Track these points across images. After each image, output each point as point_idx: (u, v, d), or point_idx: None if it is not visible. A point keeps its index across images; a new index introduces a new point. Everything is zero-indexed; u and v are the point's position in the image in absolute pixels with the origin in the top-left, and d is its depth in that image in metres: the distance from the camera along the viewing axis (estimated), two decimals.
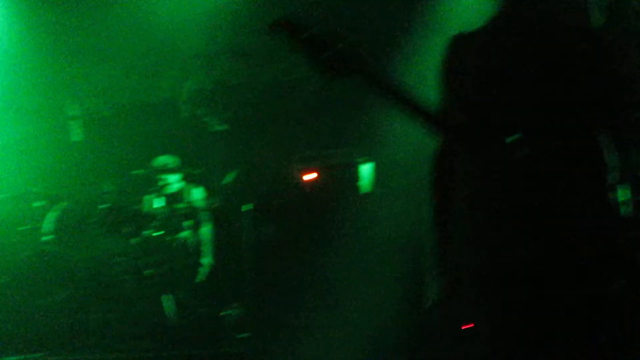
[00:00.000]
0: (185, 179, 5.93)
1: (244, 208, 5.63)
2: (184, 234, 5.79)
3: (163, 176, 5.84)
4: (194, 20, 6.24)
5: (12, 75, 6.42)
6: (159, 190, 5.84)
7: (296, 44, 2.04)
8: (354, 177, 5.57)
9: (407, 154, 4.76)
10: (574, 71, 2.06)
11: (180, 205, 5.80)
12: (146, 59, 6.55)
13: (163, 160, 5.86)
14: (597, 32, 2.24)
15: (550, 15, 2.13)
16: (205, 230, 5.81)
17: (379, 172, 5.52)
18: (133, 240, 5.78)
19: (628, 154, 2.06)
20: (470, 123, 2.06)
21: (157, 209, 5.81)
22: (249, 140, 6.41)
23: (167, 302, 5.55)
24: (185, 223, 5.81)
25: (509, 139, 1.97)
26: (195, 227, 5.81)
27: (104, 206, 5.89)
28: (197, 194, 5.90)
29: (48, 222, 5.96)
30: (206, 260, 5.77)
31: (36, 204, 6.03)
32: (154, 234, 5.72)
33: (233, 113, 6.38)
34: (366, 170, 5.60)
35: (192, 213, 5.81)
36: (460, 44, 2.18)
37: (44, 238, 5.89)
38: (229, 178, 6.05)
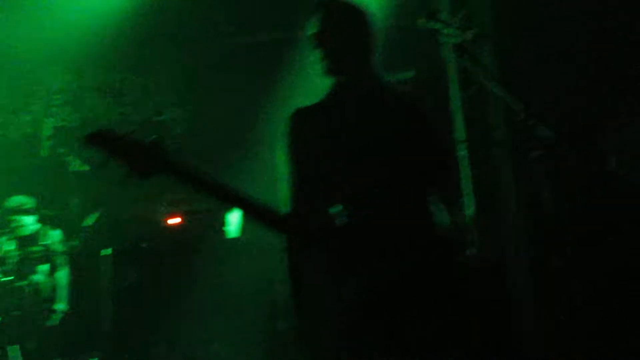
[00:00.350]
0: (41, 220, 5.65)
1: (103, 252, 5.43)
2: (37, 278, 5.50)
3: (17, 217, 5.54)
4: (61, 55, 6.03)
5: None
6: (12, 232, 5.52)
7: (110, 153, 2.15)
8: (220, 222, 5.53)
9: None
10: (408, 143, 2.27)
11: (35, 248, 5.51)
12: (7, 93, 6.24)
13: (18, 200, 5.57)
14: (425, 111, 2.40)
15: (386, 90, 2.30)
16: (61, 275, 5.55)
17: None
18: None
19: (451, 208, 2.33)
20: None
21: (8, 251, 5.50)
22: (113, 181, 6.21)
23: (14, 353, 5.20)
24: (40, 267, 5.53)
25: (332, 210, 2.11)
26: (51, 272, 5.54)
27: None
28: (54, 237, 5.63)
29: None
30: (60, 306, 5.49)
31: None
32: (3, 279, 5.40)
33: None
34: (233, 216, 5.58)
35: (47, 256, 5.53)
36: (300, 119, 2.29)
37: None
38: (89, 220, 5.83)
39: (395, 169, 2.20)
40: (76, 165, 6.19)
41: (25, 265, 5.46)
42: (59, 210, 5.75)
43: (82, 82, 6.50)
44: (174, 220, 5.55)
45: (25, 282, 5.41)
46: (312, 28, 2.31)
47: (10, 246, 5.49)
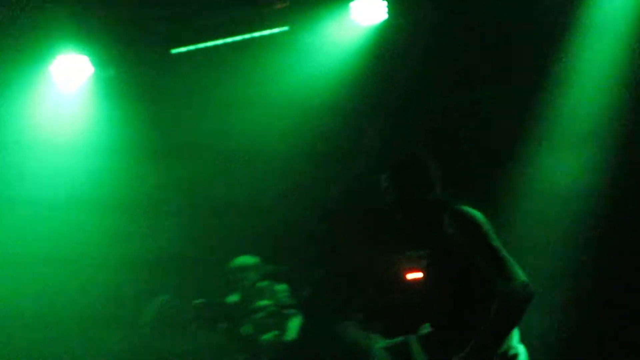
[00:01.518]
0: (271, 276, 5.96)
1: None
2: (274, 332, 5.76)
3: (242, 274, 5.90)
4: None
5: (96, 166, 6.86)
6: (248, 288, 5.88)
7: None
8: None
9: None
10: None
11: (267, 303, 5.80)
12: (231, 158, 6.78)
13: (242, 259, 5.95)
14: None
15: None
16: (293, 329, 5.75)
17: None
18: (226, 337, 5.81)
19: None
20: None
21: (248, 306, 5.84)
22: (342, 237, 6.39)
23: None
24: (276, 321, 5.79)
25: None
26: (284, 326, 5.77)
27: (198, 301, 6.03)
28: (280, 291, 5.89)
29: (146, 314, 6.17)
30: None
31: None
32: (246, 332, 5.72)
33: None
34: None
35: (280, 311, 5.79)
36: None
37: (140, 330, 6.08)
38: (317, 275, 6.02)
39: None
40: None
41: (263, 319, 5.76)
42: (285, 265, 6.03)
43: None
44: (414, 275, 5.42)
45: (264, 335, 5.71)
46: None
47: (250, 300, 5.84)
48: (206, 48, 6.50)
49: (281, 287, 5.92)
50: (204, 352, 5.81)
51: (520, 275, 2.57)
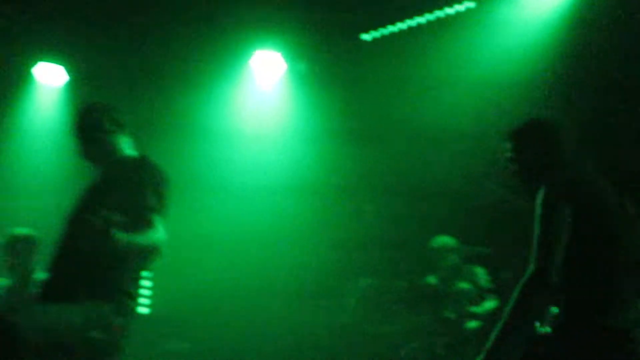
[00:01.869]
0: (471, 259, 5.84)
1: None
2: (475, 315, 5.66)
3: (450, 255, 5.84)
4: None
5: (297, 154, 7.09)
6: (447, 270, 5.82)
7: None
8: None
9: None
10: None
11: (467, 286, 5.71)
12: (426, 140, 6.69)
13: (447, 240, 5.87)
14: None
15: None
16: (492, 312, 5.61)
17: None
18: (429, 319, 5.82)
19: None
20: None
21: (447, 288, 5.79)
22: None
23: None
24: (476, 306, 5.69)
25: None
26: (484, 310, 5.65)
27: (401, 283, 6.08)
28: (483, 275, 5.76)
29: (350, 297, 6.36)
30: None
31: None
32: (449, 316, 5.69)
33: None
34: None
35: (482, 295, 5.67)
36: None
37: (345, 311, 6.29)
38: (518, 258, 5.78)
39: None
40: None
41: (463, 302, 5.68)
42: (484, 247, 5.88)
43: None
44: None
45: (465, 319, 5.62)
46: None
47: (457, 284, 5.78)
48: (394, 32, 6.49)
49: (480, 270, 5.80)
50: (407, 334, 5.85)
51: (540, 263, 2.56)
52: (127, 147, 3.21)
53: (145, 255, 2.83)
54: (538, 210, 2.64)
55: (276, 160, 7.05)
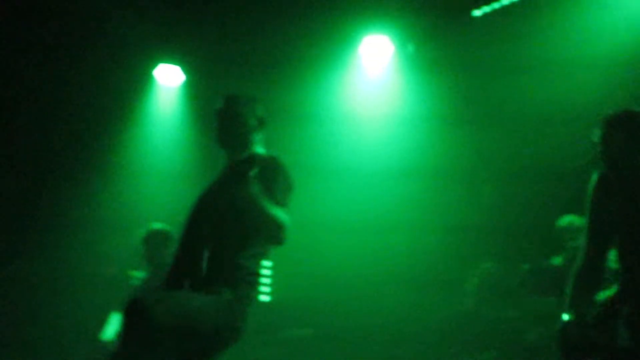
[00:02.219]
0: None
1: None
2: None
3: (577, 235, 5.59)
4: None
5: (410, 138, 6.99)
6: (563, 250, 5.60)
7: None
8: None
9: None
10: None
11: None
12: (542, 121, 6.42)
13: (569, 219, 5.63)
14: None
15: None
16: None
17: None
18: (556, 304, 5.63)
19: None
20: None
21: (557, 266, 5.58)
22: None
23: None
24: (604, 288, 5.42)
25: None
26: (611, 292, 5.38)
27: (525, 266, 5.91)
28: (613, 255, 5.47)
29: (471, 282, 6.24)
30: None
31: None
32: None
33: None
34: None
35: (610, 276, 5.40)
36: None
37: (466, 296, 6.17)
38: None
39: None
40: None
41: None
42: None
43: None
44: None
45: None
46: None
47: (558, 261, 5.56)
48: (506, 5, 6.27)
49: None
50: (532, 319, 5.68)
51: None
52: (260, 144, 3.18)
53: (271, 233, 2.82)
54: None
55: (390, 144, 7.02)
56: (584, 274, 2.98)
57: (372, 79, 7.10)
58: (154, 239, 5.35)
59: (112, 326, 5.48)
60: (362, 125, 7.14)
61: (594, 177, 2.88)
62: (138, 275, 5.48)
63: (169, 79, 7.55)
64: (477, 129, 6.72)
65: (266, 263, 7.44)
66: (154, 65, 7.47)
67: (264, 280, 7.25)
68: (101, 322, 5.57)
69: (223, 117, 3.11)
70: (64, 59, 7.07)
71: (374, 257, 6.82)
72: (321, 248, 6.84)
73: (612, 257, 5.45)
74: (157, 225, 5.42)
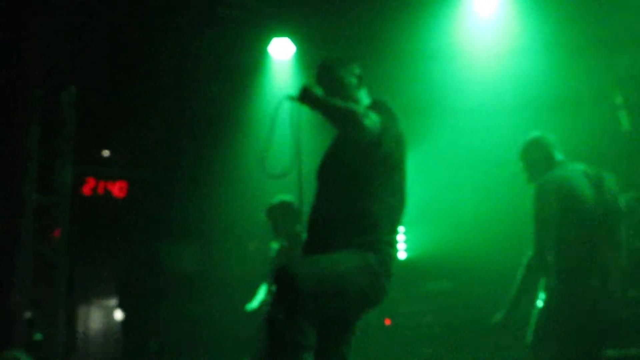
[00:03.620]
0: None
1: None
2: None
3: None
4: None
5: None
6: None
7: None
8: None
9: None
10: None
11: None
12: None
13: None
14: None
15: None
16: None
17: None
18: None
19: None
20: None
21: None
22: None
23: None
24: None
25: None
26: None
27: None
28: None
29: None
30: None
31: None
32: None
33: None
34: None
35: None
36: None
37: None
38: None
39: None
40: None
41: None
42: None
43: None
44: None
45: None
46: None
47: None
48: None
49: None
50: None
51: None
52: (365, 99, 3.21)
53: (346, 119, 2.89)
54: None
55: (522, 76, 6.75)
56: None
57: (485, 17, 6.83)
58: (276, 212, 5.51)
59: (260, 295, 5.79)
60: (478, 60, 6.90)
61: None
62: (276, 246, 5.69)
63: (281, 52, 7.72)
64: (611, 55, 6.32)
65: (401, 225, 7.48)
66: (268, 40, 7.65)
67: (401, 240, 7.33)
68: (250, 293, 5.93)
69: (324, 83, 3.15)
70: (184, 38, 7.44)
71: (506, 209, 6.67)
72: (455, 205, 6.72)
73: None
74: (279, 198, 5.56)
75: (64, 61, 6.50)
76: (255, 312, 5.61)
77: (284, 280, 2.70)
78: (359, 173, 2.97)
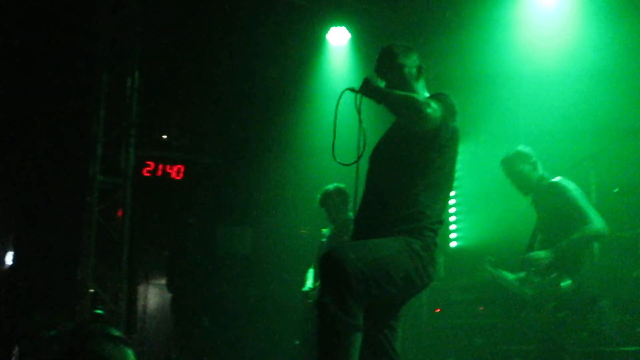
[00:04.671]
0: None
1: None
2: None
3: None
4: None
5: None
6: None
7: None
8: None
9: None
10: None
11: None
12: None
13: None
14: None
15: None
16: None
17: None
18: None
19: None
20: None
21: None
22: None
23: None
24: None
25: None
26: None
27: None
28: None
29: None
30: None
31: None
32: None
33: None
34: None
35: None
36: None
37: None
38: None
39: None
40: None
41: None
42: None
43: None
44: None
45: None
46: None
47: None
48: None
49: None
50: None
51: None
52: (424, 90, 3.24)
53: (409, 109, 2.93)
54: None
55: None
56: None
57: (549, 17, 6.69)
58: (331, 198, 5.71)
59: (310, 278, 5.95)
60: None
61: None
62: (326, 232, 5.86)
63: (338, 39, 7.85)
64: None
65: (452, 215, 7.52)
66: (326, 28, 7.78)
67: (453, 227, 7.36)
68: (301, 277, 6.07)
69: (385, 70, 3.18)
70: (246, 25, 7.62)
71: None
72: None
73: None
74: (330, 186, 5.75)
75: (132, 47, 6.73)
76: (306, 294, 5.77)
77: (331, 263, 2.78)
78: (412, 162, 3.03)
